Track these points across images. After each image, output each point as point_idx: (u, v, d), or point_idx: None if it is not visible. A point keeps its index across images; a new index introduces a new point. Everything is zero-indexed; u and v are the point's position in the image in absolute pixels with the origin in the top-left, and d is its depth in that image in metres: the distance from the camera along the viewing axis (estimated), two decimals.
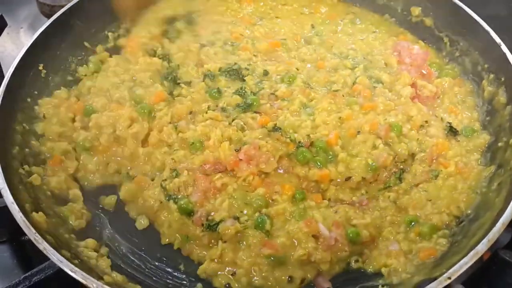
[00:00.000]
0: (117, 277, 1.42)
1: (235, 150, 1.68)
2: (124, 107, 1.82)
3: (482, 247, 1.29)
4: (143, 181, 1.69)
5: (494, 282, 1.52)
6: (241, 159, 1.65)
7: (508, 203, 1.39)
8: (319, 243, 1.49)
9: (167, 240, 1.60)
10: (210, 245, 1.55)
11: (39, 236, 1.32)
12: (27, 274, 1.41)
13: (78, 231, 1.58)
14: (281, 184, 1.65)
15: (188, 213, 1.57)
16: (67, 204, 1.64)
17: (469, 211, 1.58)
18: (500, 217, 1.36)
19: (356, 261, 1.53)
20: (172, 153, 1.72)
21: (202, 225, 1.54)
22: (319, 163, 1.67)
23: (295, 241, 1.50)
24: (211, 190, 1.62)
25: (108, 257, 1.51)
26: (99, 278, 1.31)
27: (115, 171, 1.75)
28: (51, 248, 1.30)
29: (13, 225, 1.37)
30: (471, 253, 1.29)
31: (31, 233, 1.33)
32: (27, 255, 1.67)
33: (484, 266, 1.50)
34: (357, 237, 1.51)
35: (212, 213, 1.56)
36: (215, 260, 1.50)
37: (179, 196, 1.60)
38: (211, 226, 1.52)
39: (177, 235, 1.58)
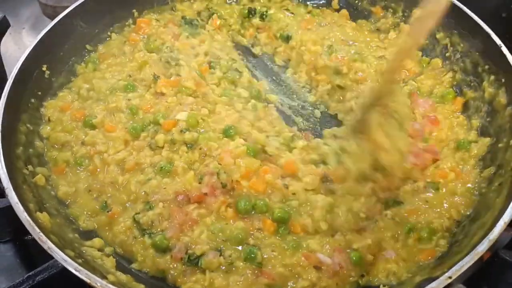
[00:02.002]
0: (121, 276, 1.42)
1: (199, 182, 1.62)
2: (118, 126, 1.80)
3: (482, 247, 1.30)
4: (117, 215, 1.60)
5: (494, 282, 1.52)
6: (206, 193, 1.58)
7: (509, 203, 1.39)
8: (322, 272, 1.44)
9: (141, 267, 1.51)
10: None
11: (44, 236, 1.32)
12: (30, 273, 1.42)
13: (83, 231, 1.59)
14: (261, 219, 1.55)
15: (164, 250, 1.49)
16: (73, 207, 1.65)
17: (469, 212, 1.59)
18: (501, 217, 1.36)
19: (362, 276, 1.47)
20: (146, 182, 1.64)
21: (181, 259, 1.46)
22: (279, 214, 1.53)
23: (294, 272, 1.44)
24: (188, 222, 1.53)
25: (113, 256, 1.51)
26: (103, 277, 1.31)
27: (97, 197, 1.67)
28: (56, 248, 1.30)
29: (16, 224, 1.38)
30: (472, 252, 1.29)
31: (36, 233, 1.33)
32: (31, 255, 1.67)
33: (484, 266, 1.50)
34: (361, 260, 1.46)
35: (192, 246, 1.47)
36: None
37: (154, 232, 1.52)
38: (192, 260, 1.45)
39: (152, 268, 1.51)
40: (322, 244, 1.50)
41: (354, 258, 1.46)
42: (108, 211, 1.61)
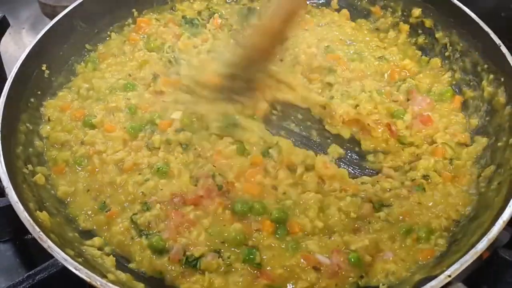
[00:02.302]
0: (121, 275, 1.42)
1: (194, 184, 1.62)
2: (117, 126, 1.81)
3: (482, 246, 1.30)
4: (115, 215, 1.59)
5: (493, 281, 1.52)
6: (201, 196, 1.58)
7: (508, 202, 1.39)
8: (321, 272, 1.44)
9: (139, 267, 1.50)
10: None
11: (44, 235, 1.32)
12: (30, 273, 1.42)
13: (83, 230, 1.58)
14: (260, 220, 1.55)
15: (160, 251, 1.48)
16: (73, 206, 1.65)
17: (469, 211, 1.59)
18: (500, 216, 1.36)
19: (361, 277, 1.46)
20: (143, 183, 1.64)
21: (179, 260, 1.45)
22: (276, 215, 1.54)
23: (293, 273, 1.44)
24: (184, 223, 1.52)
25: (112, 255, 1.50)
26: (103, 276, 1.31)
27: (95, 197, 1.66)
28: (56, 247, 1.30)
29: (16, 224, 1.38)
30: (471, 251, 1.29)
31: (36, 232, 1.33)
32: (30, 254, 1.68)
33: (484, 265, 1.50)
34: (359, 261, 1.46)
35: (190, 248, 1.47)
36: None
37: (151, 233, 1.52)
38: (190, 262, 1.44)
39: (149, 268, 1.49)
40: (321, 245, 1.50)
41: (352, 260, 1.45)
42: (106, 211, 1.60)
